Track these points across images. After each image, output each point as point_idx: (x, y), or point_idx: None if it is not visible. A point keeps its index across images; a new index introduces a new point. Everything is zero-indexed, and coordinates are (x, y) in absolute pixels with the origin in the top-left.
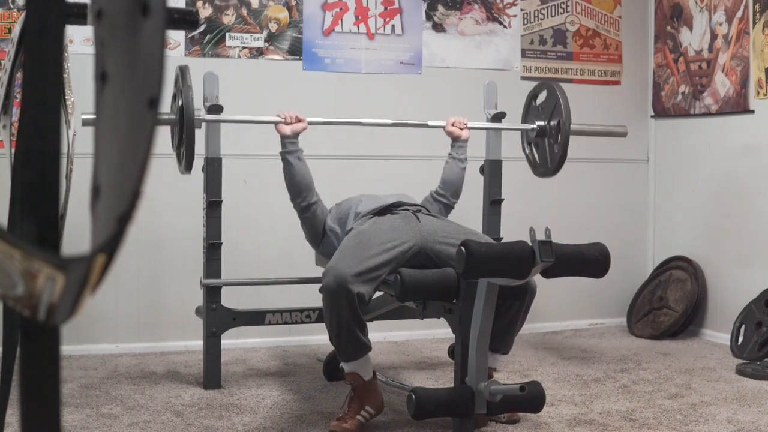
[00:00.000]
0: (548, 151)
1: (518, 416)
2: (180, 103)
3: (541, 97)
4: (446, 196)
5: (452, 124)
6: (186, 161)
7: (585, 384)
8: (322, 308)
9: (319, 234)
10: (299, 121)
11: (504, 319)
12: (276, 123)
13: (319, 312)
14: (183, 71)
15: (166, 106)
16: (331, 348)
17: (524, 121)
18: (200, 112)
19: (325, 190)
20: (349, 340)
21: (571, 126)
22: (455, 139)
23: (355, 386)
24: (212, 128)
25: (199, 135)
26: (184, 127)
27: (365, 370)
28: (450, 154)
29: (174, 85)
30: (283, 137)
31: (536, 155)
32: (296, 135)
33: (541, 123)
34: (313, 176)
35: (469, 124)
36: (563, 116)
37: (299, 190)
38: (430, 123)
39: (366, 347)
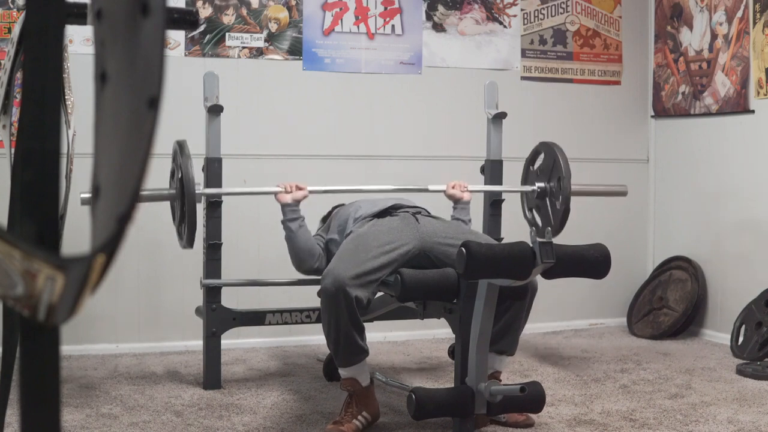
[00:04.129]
0: (551, 210)
1: (532, 420)
2: (179, 178)
3: (539, 160)
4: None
5: (452, 187)
6: (188, 236)
7: (585, 384)
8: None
9: (324, 258)
10: (299, 189)
11: (506, 318)
12: (276, 193)
13: (319, 312)
14: (181, 146)
15: (165, 181)
16: None
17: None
18: (200, 186)
19: (324, 188)
20: (347, 344)
21: (572, 186)
22: (457, 202)
23: (353, 392)
24: (212, 129)
25: (200, 137)
26: (184, 202)
27: (363, 376)
28: (453, 216)
29: (173, 161)
30: (284, 206)
31: (538, 218)
32: (297, 203)
33: (542, 184)
34: (313, 177)
35: (470, 187)
36: (563, 173)
37: (302, 258)
38: (431, 188)
39: (363, 352)
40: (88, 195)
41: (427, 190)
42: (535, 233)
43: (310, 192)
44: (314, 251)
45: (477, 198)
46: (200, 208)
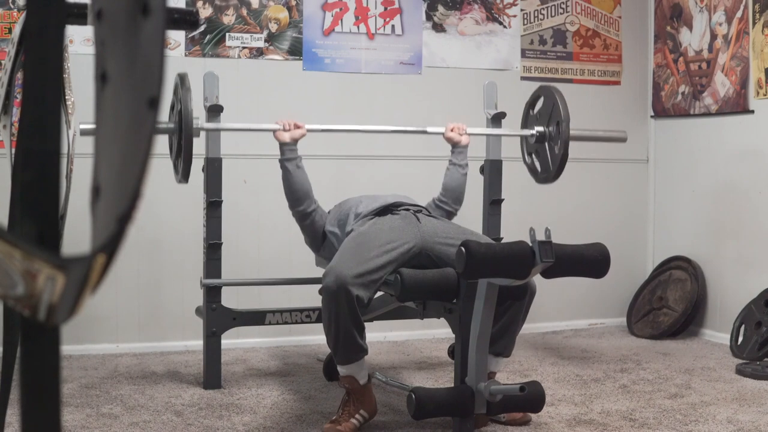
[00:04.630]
0: (549, 155)
1: (529, 417)
2: (179, 111)
3: (539, 104)
4: (448, 203)
5: (451, 130)
6: (183, 170)
7: (585, 384)
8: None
9: (319, 239)
10: (298, 127)
11: (504, 320)
12: (274, 130)
13: (320, 312)
14: (182, 79)
15: (164, 115)
16: None
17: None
18: (199, 120)
19: (325, 191)
20: (347, 342)
21: (571, 131)
22: (455, 145)
23: (351, 390)
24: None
25: (200, 137)
26: (182, 136)
27: (361, 374)
28: (450, 161)
29: (173, 94)
30: (282, 144)
31: (537, 163)
32: (295, 142)
33: (541, 128)
34: (313, 177)
35: (469, 130)
36: (562, 117)
37: (297, 198)
38: (429, 129)
39: (363, 350)
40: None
41: (425, 132)
42: (535, 233)
43: (309, 131)
44: (309, 193)
45: (477, 198)
46: (198, 142)
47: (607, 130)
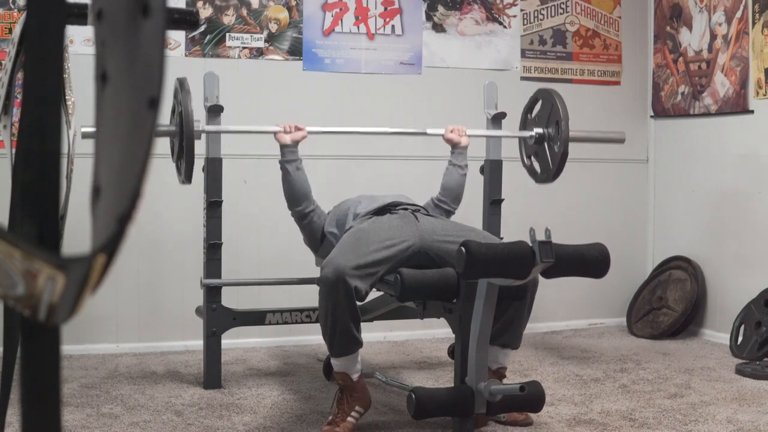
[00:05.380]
0: (549, 154)
1: (531, 418)
2: (179, 114)
3: (537, 107)
4: (447, 203)
5: (451, 131)
6: (186, 172)
7: (585, 384)
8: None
9: (318, 239)
10: (299, 129)
11: (508, 314)
12: (275, 132)
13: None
14: (182, 83)
15: (165, 118)
16: None
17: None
18: (199, 123)
19: (325, 191)
20: (342, 334)
21: (570, 131)
22: (454, 146)
23: (344, 386)
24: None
25: (200, 139)
26: (183, 138)
27: (354, 369)
28: (450, 161)
29: (173, 97)
30: (283, 146)
31: (536, 164)
32: (296, 144)
33: (540, 130)
34: (313, 177)
35: (468, 131)
36: (561, 116)
37: (297, 198)
38: (429, 131)
39: (358, 343)
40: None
41: (425, 134)
42: (535, 233)
43: (309, 133)
44: (309, 195)
45: (477, 198)
46: (199, 144)
47: (606, 131)
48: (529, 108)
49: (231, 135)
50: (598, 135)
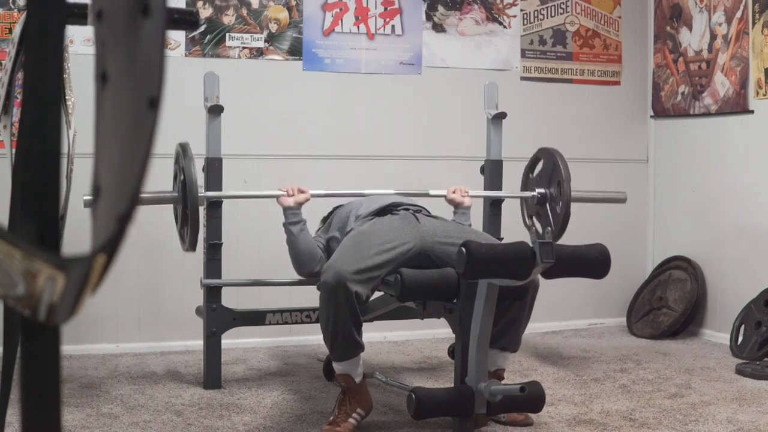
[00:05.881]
0: (551, 215)
1: (531, 419)
2: (182, 181)
3: (538, 166)
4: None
5: (453, 192)
6: (190, 240)
7: (585, 384)
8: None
9: (325, 260)
10: (301, 192)
11: (508, 316)
12: (278, 196)
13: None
14: (184, 148)
15: (166, 183)
16: None
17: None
18: (202, 189)
19: (325, 190)
20: (344, 338)
21: (572, 192)
22: (457, 207)
23: (346, 388)
24: (212, 128)
25: (200, 137)
26: (187, 206)
27: (357, 372)
28: (454, 221)
29: (175, 162)
30: (286, 209)
31: (538, 225)
32: (299, 206)
33: (542, 190)
34: (313, 177)
35: (471, 192)
36: (563, 177)
37: (303, 261)
38: (431, 192)
39: (360, 347)
40: (90, 197)
41: (427, 195)
42: (535, 233)
43: (312, 195)
44: (315, 255)
45: (477, 198)
46: (201, 210)
47: (608, 192)
48: (530, 167)
49: (231, 135)
50: (600, 196)
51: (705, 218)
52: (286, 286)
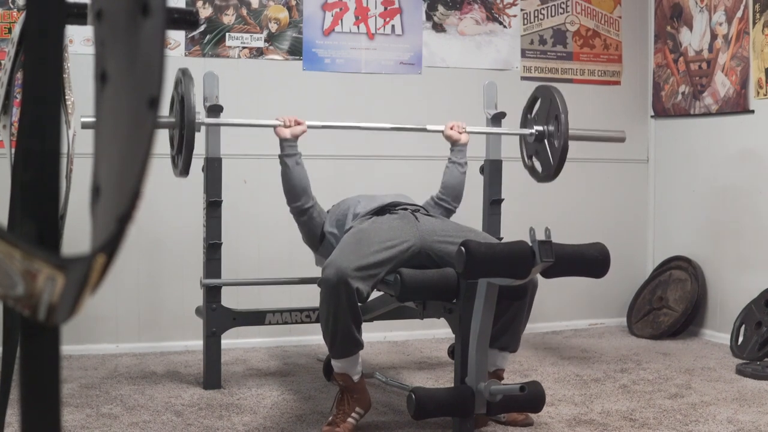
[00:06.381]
0: (549, 151)
1: (531, 419)
2: (180, 102)
3: (536, 105)
4: (447, 201)
5: (451, 128)
6: (183, 164)
7: (585, 384)
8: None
9: (317, 237)
10: (298, 124)
11: (507, 316)
12: (275, 126)
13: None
14: (185, 73)
15: (165, 109)
16: None
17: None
18: (200, 115)
19: (324, 190)
20: (344, 336)
21: (570, 129)
22: (454, 143)
23: (345, 387)
24: (212, 129)
25: (199, 136)
26: (184, 130)
27: (355, 370)
28: (450, 159)
29: (174, 88)
30: (283, 140)
31: (537, 163)
32: (295, 138)
33: (540, 128)
34: (313, 176)
35: (468, 128)
36: (560, 110)
37: (296, 193)
38: (429, 127)
39: (359, 344)
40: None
41: (425, 130)
42: (535, 233)
43: (309, 127)
44: (308, 190)
45: (477, 198)
46: (200, 135)
47: (606, 130)
48: (528, 107)
49: (231, 135)
50: (598, 133)
51: (705, 218)
52: (286, 286)
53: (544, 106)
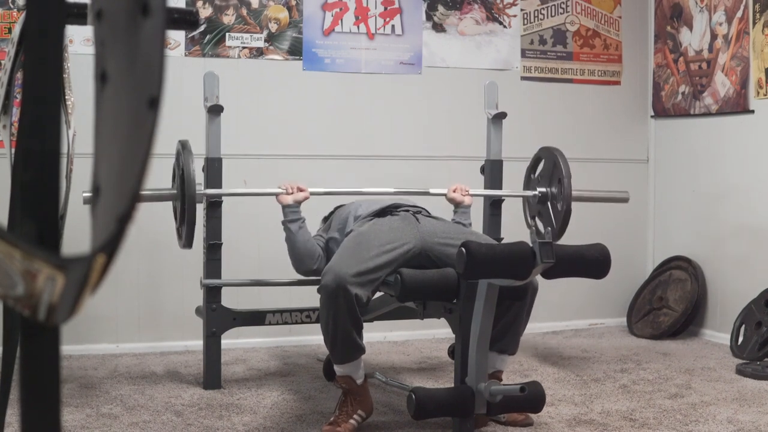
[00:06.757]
0: (552, 214)
1: (531, 419)
2: (181, 178)
3: (540, 166)
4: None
5: (454, 191)
6: (186, 237)
7: (585, 384)
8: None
9: (324, 259)
10: (301, 190)
11: (507, 318)
12: (277, 194)
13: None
14: (184, 146)
15: (166, 181)
16: None
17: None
18: (201, 186)
19: (324, 190)
20: (345, 342)
21: (573, 191)
22: (458, 206)
23: (348, 390)
24: (212, 129)
25: (200, 137)
26: (185, 204)
27: (358, 374)
28: (453, 220)
29: (175, 159)
30: (285, 207)
31: (540, 225)
32: (298, 204)
33: (543, 189)
34: (313, 177)
35: (471, 191)
36: (563, 174)
37: (302, 260)
38: (432, 191)
39: (360, 349)
40: (89, 194)
41: (428, 193)
42: (536, 233)
43: (312, 194)
44: (314, 253)
45: (477, 198)
46: (200, 209)
47: (609, 191)
48: (532, 167)
49: (231, 135)
50: (602, 195)
51: (705, 218)
52: (286, 286)
53: (548, 168)
